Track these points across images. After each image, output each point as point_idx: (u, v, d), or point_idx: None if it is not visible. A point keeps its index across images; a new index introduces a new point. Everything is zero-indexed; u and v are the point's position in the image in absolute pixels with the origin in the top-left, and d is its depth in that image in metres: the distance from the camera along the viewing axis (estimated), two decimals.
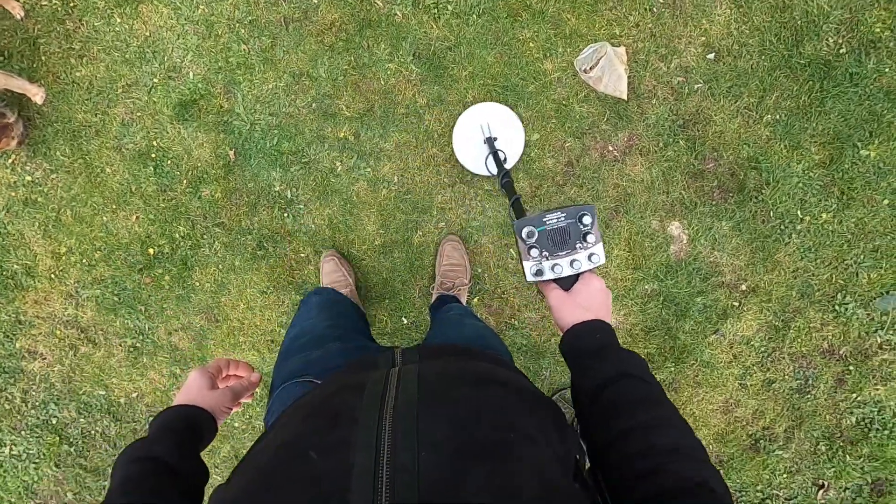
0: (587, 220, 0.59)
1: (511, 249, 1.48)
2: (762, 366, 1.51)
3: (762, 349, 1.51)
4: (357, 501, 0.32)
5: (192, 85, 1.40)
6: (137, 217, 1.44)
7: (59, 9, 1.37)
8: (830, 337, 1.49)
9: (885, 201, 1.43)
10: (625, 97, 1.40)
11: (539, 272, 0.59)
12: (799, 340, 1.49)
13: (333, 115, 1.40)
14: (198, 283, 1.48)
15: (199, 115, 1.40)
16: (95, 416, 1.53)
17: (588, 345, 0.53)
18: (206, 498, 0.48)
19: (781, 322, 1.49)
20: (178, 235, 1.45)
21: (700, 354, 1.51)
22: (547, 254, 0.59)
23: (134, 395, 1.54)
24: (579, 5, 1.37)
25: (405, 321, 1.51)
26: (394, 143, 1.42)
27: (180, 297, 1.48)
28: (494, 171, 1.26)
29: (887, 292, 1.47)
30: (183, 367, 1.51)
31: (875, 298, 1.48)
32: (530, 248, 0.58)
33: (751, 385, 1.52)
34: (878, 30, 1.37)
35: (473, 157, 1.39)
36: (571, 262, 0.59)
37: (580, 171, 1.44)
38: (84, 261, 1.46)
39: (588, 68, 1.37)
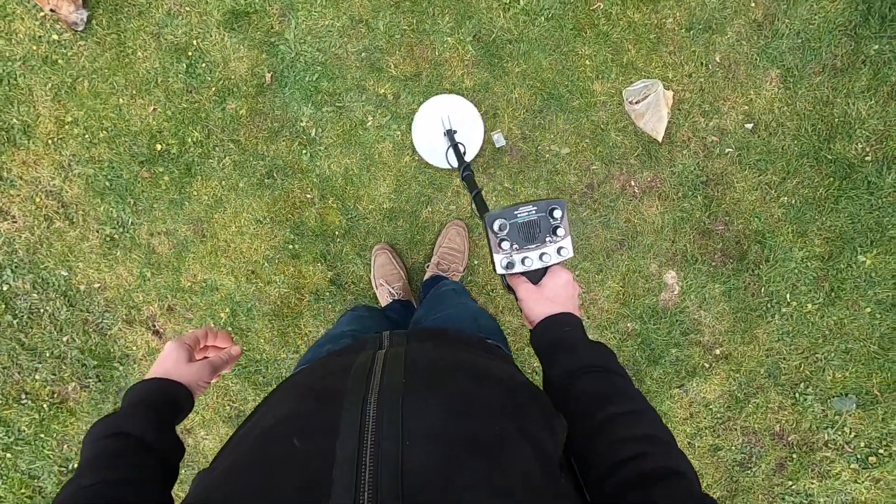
0: (557, 213, 0.59)
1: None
2: (714, 431, 1.54)
3: (718, 415, 1.54)
4: (339, 489, 0.31)
5: None
6: (155, 109, 1.40)
7: None
8: (784, 422, 1.53)
9: (868, 309, 1.49)
10: (660, 139, 1.43)
11: (510, 265, 0.59)
12: (754, 417, 1.53)
13: (380, 69, 1.40)
14: (195, 193, 1.44)
15: (247, 29, 1.38)
16: (50, 294, 1.47)
17: (557, 337, 0.53)
18: (181, 474, 0.47)
19: (743, 395, 1.53)
20: (190, 140, 1.42)
21: (660, 403, 1.53)
22: (517, 247, 0.59)
23: (96, 285, 1.48)
24: (642, 40, 1.40)
25: None
26: None
27: (174, 201, 1.44)
28: (455, 164, 1.25)
29: (846, 395, 1.52)
30: (155, 271, 1.47)
31: (834, 397, 1.53)
32: (501, 240, 0.58)
33: (698, 446, 1.55)
34: None
35: (434, 150, 1.38)
36: (541, 256, 0.59)
37: (598, 196, 1.46)
38: (87, 136, 1.41)
39: (634, 101, 1.40)
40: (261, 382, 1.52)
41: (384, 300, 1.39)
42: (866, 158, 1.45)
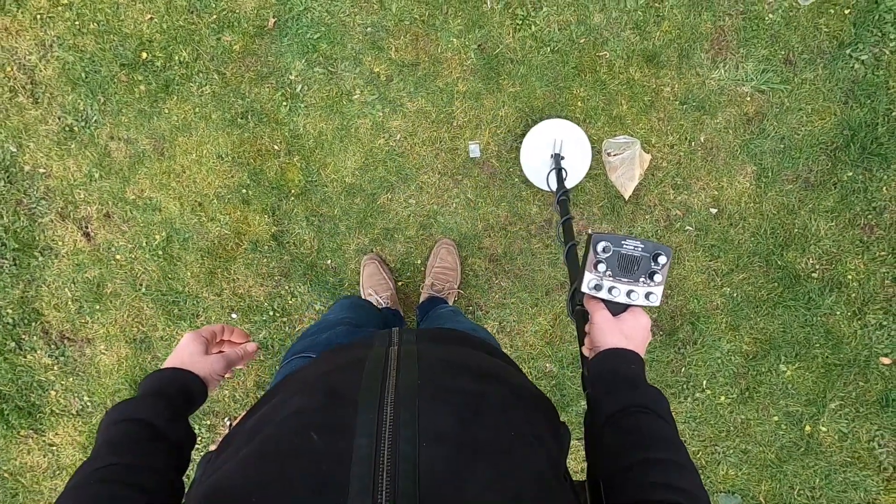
0: (662, 260, 0.59)
1: (471, 259, 1.48)
2: None
3: None
4: (356, 487, 0.31)
5: None
6: (151, 18, 1.39)
7: None
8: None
9: (776, 418, 1.51)
10: (626, 197, 1.45)
11: (597, 287, 0.59)
12: None
13: (381, 49, 1.41)
14: (167, 111, 1.42)
15: None
16: None
17: (623, 370, 0.54)
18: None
19: None
20: (177, 58, 1.41)
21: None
22: (610, 274, 0.59)
23: (42, 170, 1.45)
24: (637, 100, 1.43)
25: (329, 262, 1.49)
26: (416, 107, 1.43)
27: (143, 111, 1.42)
28: (554, 186, 1.28)
29: (733, 493, 1.54)
30: (104, 174, 1.44)
31: (721, 492, 1.54)
32: (598, 262, 0.59)
33: None
34: (850, 276, 1.47)
35: (537, 169, 1.40)
36: (629, 293, 0.59)
37: (554, 234, 1.48)
38: (77, 23, 1.39)
39: (612, 153, 1.42)
40: (175, 314, 1.49)
41: None
42: (813, 275, 1.48)
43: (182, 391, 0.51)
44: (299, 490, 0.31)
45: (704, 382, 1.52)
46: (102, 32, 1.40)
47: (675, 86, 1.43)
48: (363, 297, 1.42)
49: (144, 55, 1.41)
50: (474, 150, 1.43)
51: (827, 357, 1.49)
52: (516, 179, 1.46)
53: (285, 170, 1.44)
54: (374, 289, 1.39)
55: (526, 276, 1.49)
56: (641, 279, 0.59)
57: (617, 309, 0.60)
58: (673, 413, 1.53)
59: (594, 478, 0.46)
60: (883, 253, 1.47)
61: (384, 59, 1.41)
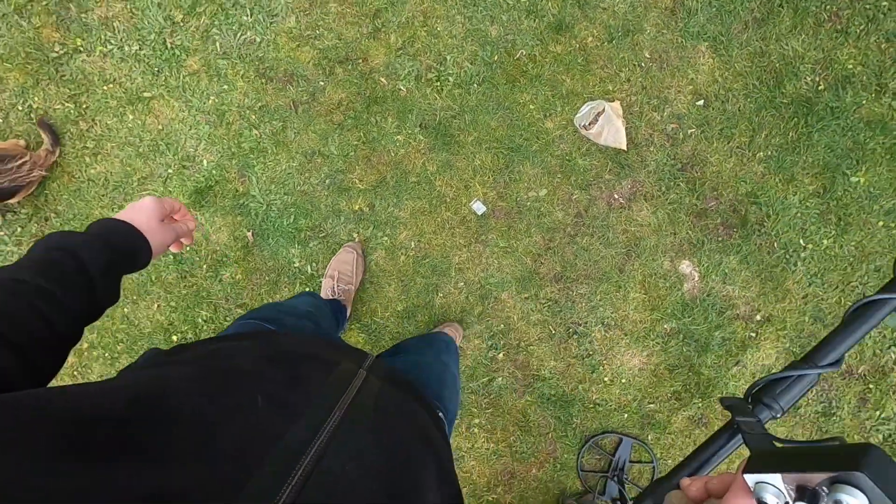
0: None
1: (531, 302, 1.50)
2: None
3: None
4: (267, 471, 0.30)
5: (206, 172, 1.43)
6: (158, 305, 1.45)
7: (72, 111, 1.40)
8: (847, 357, 1.53)
9: (880, 223, 1.50)
10: (624, 147, 1.46)
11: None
12: None
13: (347, 189, 1.44)
14: None
15: (215, 201, 1.43)
16: None
17: None
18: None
19: (798, 347, 1.53)
20: (200, 320, 1.45)
21: (724, 387, 1.53)
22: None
23: None
24: (572, 66, 1.45)
25: None
26: (408, 211, 1.46)
27: None
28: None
29: (894, 310, 1.52)
30: None
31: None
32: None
33: None
34: (850, 66, 1.47)
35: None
36: None
37: (589, 220, 1.49)
38: (106, 355, 1.45)
39: (587, 124, 1.44)
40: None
41: (325, 293, 1.37)
42: (819, 88, 1.48)
43: (128, 249, 0.49)
44: (223, 443, 0.31)
45: (801, 241, 1.51)
46: (130, 346, 1.45)
47: (594, 31, 1.45)
48: (325, 277, 1.39)
49: (175, 338, 1.45)
50: (478, 207, 1.45)
51: (883, 143, 1.48)
52: (529, 203, 1.48)
53: (348, 340, 1.48)
54: (339, 272, 1.36)
55: (594, 271, 1.51)
56: None
57: None
58: (792, 288, 1.46)
59: None
60: (861, 26, 1.46)
61: (356, 194, 1.44)
